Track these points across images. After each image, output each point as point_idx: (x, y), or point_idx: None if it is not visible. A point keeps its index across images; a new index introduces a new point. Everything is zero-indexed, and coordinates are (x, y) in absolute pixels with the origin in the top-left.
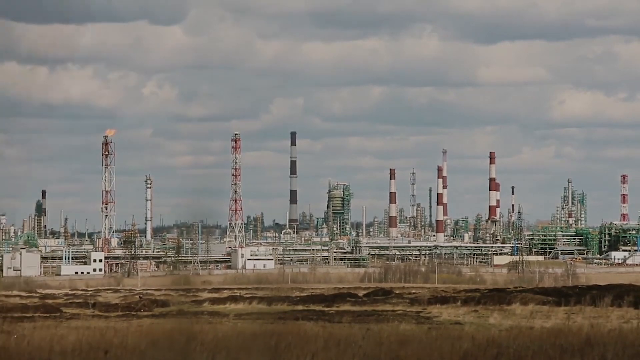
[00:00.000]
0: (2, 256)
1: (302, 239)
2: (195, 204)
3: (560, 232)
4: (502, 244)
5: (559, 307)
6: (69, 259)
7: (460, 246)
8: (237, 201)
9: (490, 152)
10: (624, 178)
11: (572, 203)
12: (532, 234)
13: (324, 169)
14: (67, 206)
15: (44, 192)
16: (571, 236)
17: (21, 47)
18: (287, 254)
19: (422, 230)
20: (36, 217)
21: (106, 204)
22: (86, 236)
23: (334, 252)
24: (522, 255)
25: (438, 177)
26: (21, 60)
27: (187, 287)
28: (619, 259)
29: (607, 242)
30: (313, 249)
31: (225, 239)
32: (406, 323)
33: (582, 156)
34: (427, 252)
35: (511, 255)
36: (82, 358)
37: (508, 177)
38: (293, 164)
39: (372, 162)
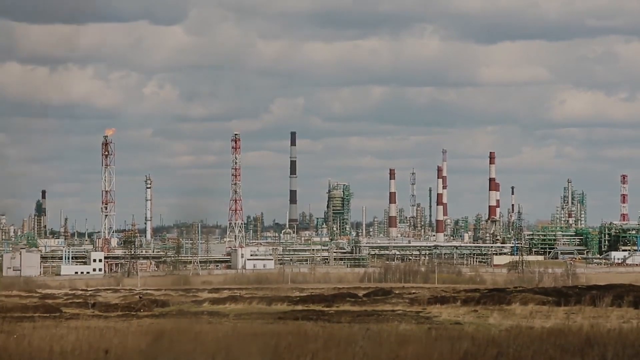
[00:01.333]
0: (2, 256)
1: (302, 239)
2: (195, 204)
3: (560, 232)
4: (502, 244)
5: (558, 307)
6: (68, 259)
7: (460, 246)
8: (237, 201)
9: (490, 152)
10: (624, 178)
11: (572, 203)
12: (532, 234)
13: (324, 169)
14: (67, 206)
15: (44, 192)
16: (571, 236)
17: (22, 47)
18: (287, 254)
19: (422, 230)
20: (36, 217)
21: (106, 204)
22: (86, 236)
23: (334, 252)
24: (522, 255)
25: (438, 177)
26: (22, 60)
27: (187, 287)
28: (618, 259)
29: (607, 242)
30: (313, 249)
31: (225, 239)
32: (406, 323)
33: (583, 156)
34: (427, 252)
35: (511, 255)
36: (82, 358)
37: (508, 177)
38: (293, 164)
39: (372, 162)
